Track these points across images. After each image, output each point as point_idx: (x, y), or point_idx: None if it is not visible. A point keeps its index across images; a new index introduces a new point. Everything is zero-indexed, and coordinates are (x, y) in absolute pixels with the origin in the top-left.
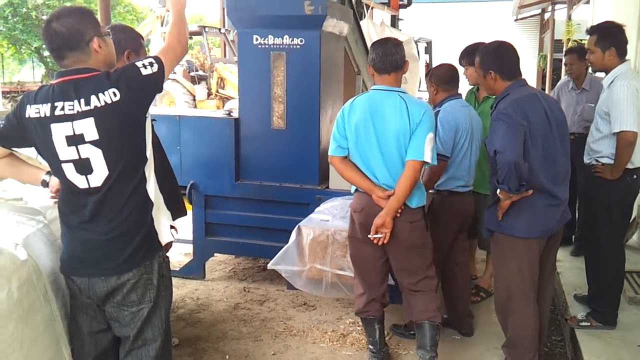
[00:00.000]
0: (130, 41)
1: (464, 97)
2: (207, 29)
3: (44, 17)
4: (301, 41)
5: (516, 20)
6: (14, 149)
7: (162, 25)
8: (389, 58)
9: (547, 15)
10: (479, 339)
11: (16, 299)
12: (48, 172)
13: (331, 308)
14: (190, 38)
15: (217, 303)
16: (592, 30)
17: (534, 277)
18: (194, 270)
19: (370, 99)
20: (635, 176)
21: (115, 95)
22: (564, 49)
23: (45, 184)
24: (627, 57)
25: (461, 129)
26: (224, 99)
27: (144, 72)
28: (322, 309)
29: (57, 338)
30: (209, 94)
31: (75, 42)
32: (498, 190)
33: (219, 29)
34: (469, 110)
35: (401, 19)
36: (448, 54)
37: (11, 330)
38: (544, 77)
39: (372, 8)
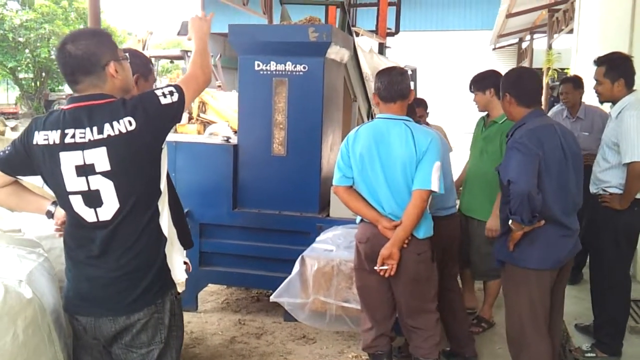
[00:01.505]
0: (139, 66)
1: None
2: (189, 54)
3: (21, 39)
4: (304, 68)
5: (494, 49)
6: (18, 177)
7: (143, 49)
8: (395, 87)
9: (524, 45)
10: None
11: (21, 342)
12: (54, 202)
13: (332, 341)
14: (171, 62)
15: (212, 337)
16: (600, 62)
17: (546, 310)
18: (187, 301)
19: (375, 128)
20: None
21: (130, 124)
22: (544, 78)
23: (50, 214)
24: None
25: None
26: (205, 124)
27: (163, 101)
28: (322, 342)
29: None
30: (190, 118)
31: (90, 65)
32: (510, 221)
33: None
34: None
35: (388, 47)
36: (431, 80)
37: None
38: None
39: (360, 35)
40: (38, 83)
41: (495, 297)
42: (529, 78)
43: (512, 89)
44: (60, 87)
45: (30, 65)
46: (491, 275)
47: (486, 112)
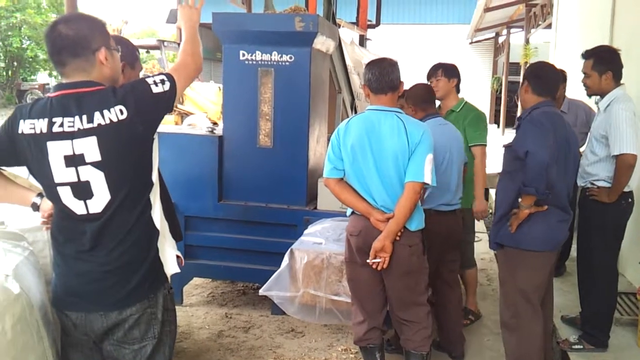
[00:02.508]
0: (125, 54)
1: None
2: (165, 44)
3: None
4: (290, 58)
5: (471, 43)
6: (2, 167)
7: None
8: (386, 78)
9: (501, 39)
10: None
11: (10, 339)
12: (39, 194)
13: (320, 334)
14: (147, 52)
15: (199, 331)
16: (588, 55)
17: (542, 293)
18: None
19: (366, 119)
20: (630, 199)
21: (122, 113)
22: (522, 72)
23: (35, 207)
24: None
25: (440, 146)
26: (183, 115)
27: (155, 90)
28: (311, 336)
29: None
30: None
31: (80, 48)
32: (520, 199)
33: (178, 43)
34: (448, 127)
35: (369, 39)
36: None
37: None
38: (497, 98)
39: (341, 27)
40: (10, 72)
41: (475, 285)
42: (550, 72)
43: (532, 77)
44: (32, 77)
45: (1, 54)
46: (468, 265)
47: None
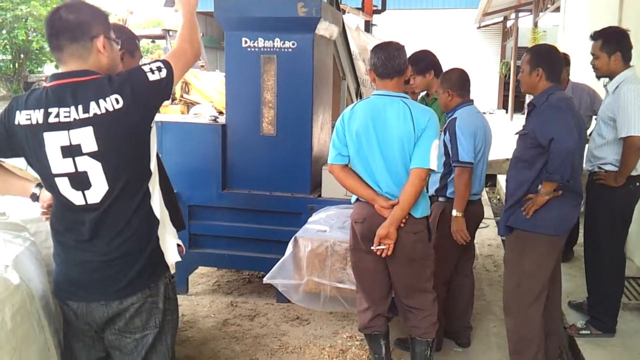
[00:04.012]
0: (124, 41)
1: None
2: (170, 33)
3: None
4: (293, 44)
5: (479, 27)
6: (0, 159)
7: None
8: (392, 62)
9: (509, 23)
10: (480, 351)
11: (10, 329)
12: (38, 184)
13: (326, 322)
14: (153, 41)
15: (204, 319)
16: (596, 35)
17: (546, 278)
18: (177, 284)
19: (371, 105)
20: (638, 183)
21: (117, 102)
22: None
23: (35, 197)
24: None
25: (479, 135)
26: (189, 104)
27: (151, 77)
28: (316, 323)
29: None
30: (173, 99)
31: (79, 32)
32: (540, 186)
33: None
34: (484, 117)
35: (374, 25)
36: None
37: None
38: (506, 84)
39: (347, 12)
40: (16, 65)
41: None
42: (557, 55)
43: (545, 65)
44: (39, 69)
45: (7, 46)
46: None
47: (425, 92)
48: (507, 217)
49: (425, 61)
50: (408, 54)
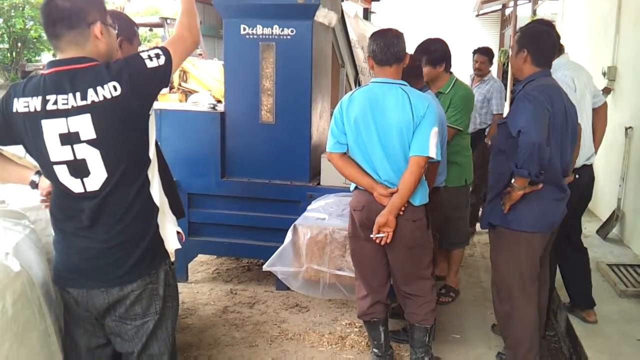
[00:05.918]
0: (122, 28)
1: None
2: (168, 21)
3: None
4: (292, 31)
5: (477, 15)
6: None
7: None
8: (391, 49)
9: (508, 11)
10: (480, 339)
11: (10, 316)
12: (37, 172)
13: (325, 309)
14: (150, 30)
15: (204, 307)
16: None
17: (534, 274)
18: (177, 272)
19: (370, 92)
20: (577, 175)
21: (115, 89)
22: None
23: (34, 185)
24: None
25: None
26: (187, 93)
27: (150, 64)
28: (315, 311)
29: (52, 356)
30: (171, 88)
31: (76, 19)
32: (512, 180)
33: None
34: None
35: (373, 12)
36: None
37: (6, 352)
38: (504, 72)
39: (345, 0)
40: (14, 54)
41: (459, 263)
42: (548, 37)
43: (532, 47)
44: (37, 58)
45: (4, 35)
46: (457, 243)
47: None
48: (489, 210)
49: (440, 52)
50: (412, 43)
